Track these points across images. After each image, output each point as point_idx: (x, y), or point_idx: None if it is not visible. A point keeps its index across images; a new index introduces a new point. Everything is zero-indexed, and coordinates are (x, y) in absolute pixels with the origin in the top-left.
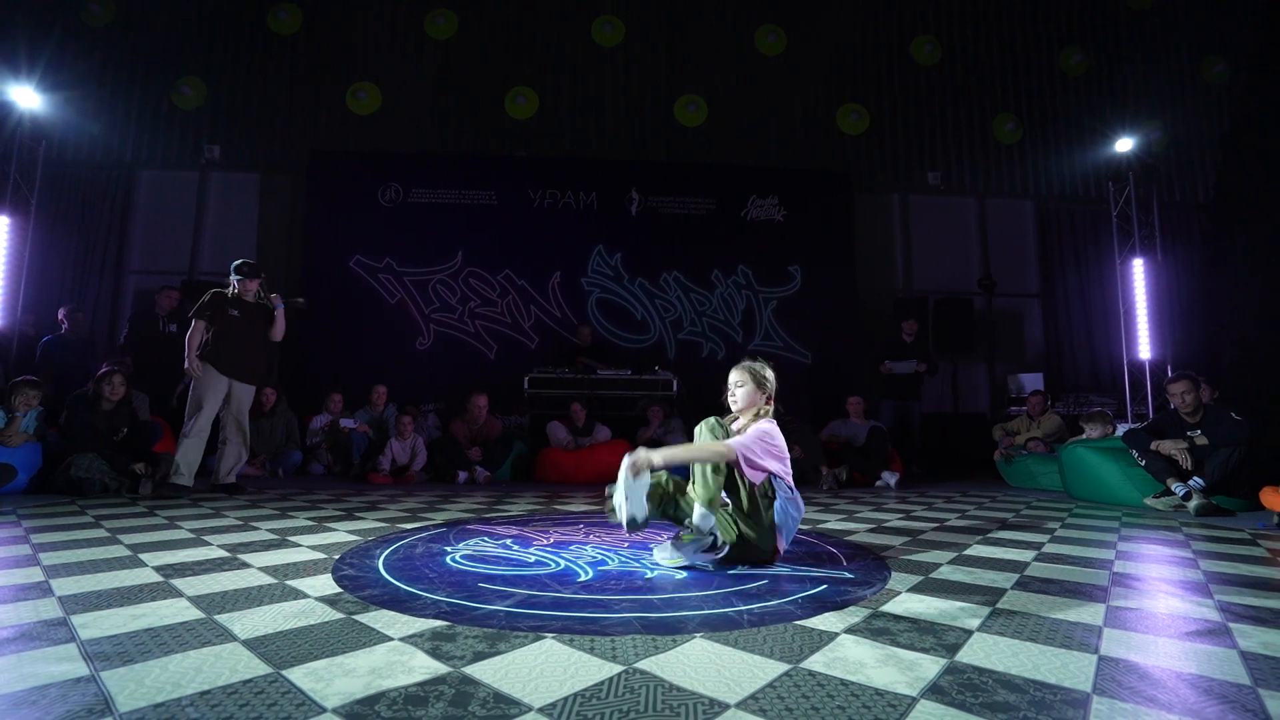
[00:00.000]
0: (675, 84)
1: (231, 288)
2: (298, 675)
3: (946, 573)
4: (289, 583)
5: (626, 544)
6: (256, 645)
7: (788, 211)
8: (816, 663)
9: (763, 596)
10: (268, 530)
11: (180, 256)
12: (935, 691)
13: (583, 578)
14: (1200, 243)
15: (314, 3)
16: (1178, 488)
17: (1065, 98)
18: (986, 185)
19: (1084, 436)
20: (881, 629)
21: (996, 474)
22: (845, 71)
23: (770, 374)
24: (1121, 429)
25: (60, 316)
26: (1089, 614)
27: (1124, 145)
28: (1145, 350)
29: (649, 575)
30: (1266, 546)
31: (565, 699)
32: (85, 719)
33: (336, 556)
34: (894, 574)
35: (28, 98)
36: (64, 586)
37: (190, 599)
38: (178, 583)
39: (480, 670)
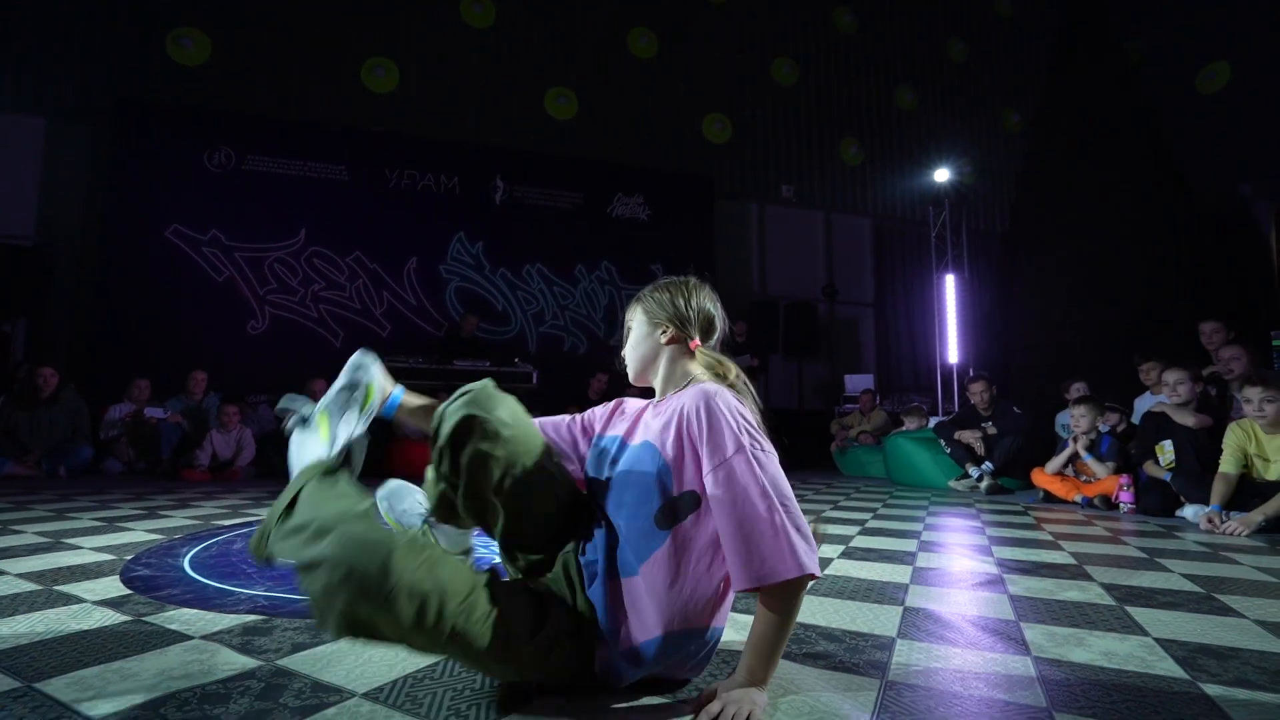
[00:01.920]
0: (547, 74)
1: None
2: (57, 687)
3: None
4: (59, 588)
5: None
6: (2, 659)
7: (652, 211)
8: None
9: None
10: (34, 534)
11: None
12: None
13: None
14: (996, 265)
15: None
16: (973, 471)
17: (900, 129)
18: (833, 201)
19: (904, 429)
20: None
21: (834, 464)
22: (711, 82)
23: (695, 297)
24: (933, 422)
25: None
26: (899, 574)
27: (941, 175)
28: (954, 354)
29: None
30: (1034, 516)
31: (395, 681)
32: None
33: (129, 557)
34: None
35: None
36: None
37: None
38: None
39: (298, 661)
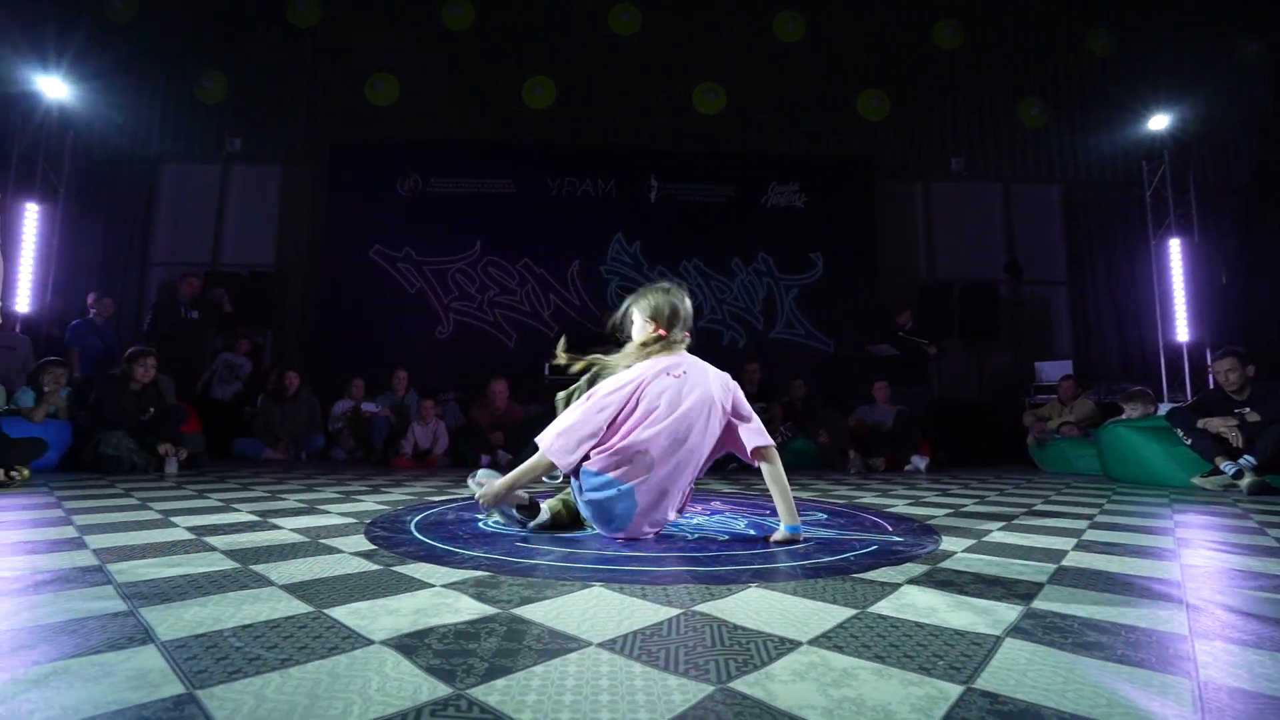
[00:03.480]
0: (693, 72)
1: None
2: (340, 613)
3: (999, 537)
4: (322, 541)
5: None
6: (295, 590)
7: (808, 198)
8: (884, 608)
9: (812, 555)
10: (295, 500)
11: (203, 249)
12: (1019, 632)
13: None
14: (1235, 225)
15: None
16: (1227, 466)
17: (1093, 80)
18: (1012, 170)
19: (1124, 417)
20: (945, 581)
21: (1026, 461)
22: (866, 57)
23: (662, 299)
24: (1164, 409)
25: (89, 302)
26: (1163, 570)
27: (1158, 123)
28: (1183, 333)
29: (690, 538)
30: None
31: (626, 635)
32: (126, 645)
33: (367, 521)
34: (944, 538)
35: (55, 88)
36: (97, 542)
37: (224, 552)
38: (211, 540)
39: (530, 611)
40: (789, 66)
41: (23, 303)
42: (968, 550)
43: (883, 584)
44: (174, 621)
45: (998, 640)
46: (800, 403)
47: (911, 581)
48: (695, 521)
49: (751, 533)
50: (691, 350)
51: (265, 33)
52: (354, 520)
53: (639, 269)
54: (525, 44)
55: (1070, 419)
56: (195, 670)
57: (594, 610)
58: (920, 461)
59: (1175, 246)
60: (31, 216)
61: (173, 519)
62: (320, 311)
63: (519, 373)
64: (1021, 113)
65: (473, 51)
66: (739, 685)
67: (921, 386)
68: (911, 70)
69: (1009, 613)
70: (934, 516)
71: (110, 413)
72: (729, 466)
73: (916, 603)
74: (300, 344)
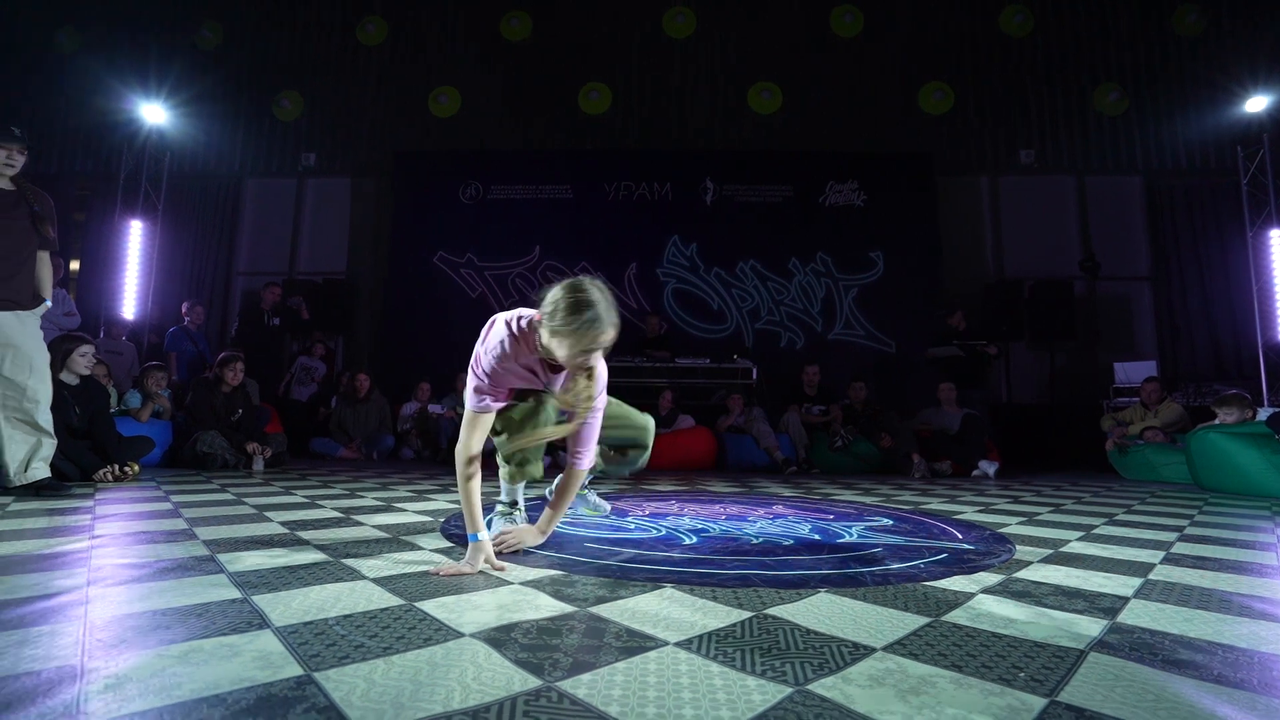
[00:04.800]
0: (748, 72)
1: None
2: (429, 607)
3: (1078, 548)
4: (403, 538)
5: (724, 515)
6: (385, 583)
7: (868, 196)
8: (959, 617)
9: (880, 561)
10: (372, 498)
11: (281, 258)
12: (1104, 647)
13: (687, 542)
14: None
15: (397, 13)
16: None
17: (1179, 61)
18: (1087, 162)
19: (1216, 422)
20: (1022, 592)
21: (1104, 467)
22: (927, 49)
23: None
24: (1264, 414)
25: (183, 310)
26: (1266, 588)
27: (1256, 105)
28: None
29: (755, 541)
30: None
31: (701, 636)
32: (246, 629)
33: (442, 519)
34: (1018, 547)
35: (156, 114)
36: (205, 534)
37: (316, 546)
38: (302, 534)
39: (606, 610)
40: (846, 62)
41: (128, 311)
42: (1044, 561)
43: (955, 592)
44: (283, 609)
45: (1081, 654)
46: (861, 405)
47: (986, 591)
48: (758, 526)
49: (817, 538)
50: (751, 352)
51: (336, 52)
52: (429, 518)
53: (695, 271)
54: (581, 51)
55: (1155, 423)
56: (309, 654)
57: (667, 611)
58: (989, 467)
59: (1276, 238)
60: (135, 232)
61: (266, 514)
62: (388, 316)
63: None
64: (1098, 100)
65: (530, 61)
66: (816, 688)
67: (984, 388)
68: (976, 61)
69: (1092, 626)
70: (1006, 524)
71: (205, 413)
72: (788, 470)
73: (992, 613)
74: (369, 348)
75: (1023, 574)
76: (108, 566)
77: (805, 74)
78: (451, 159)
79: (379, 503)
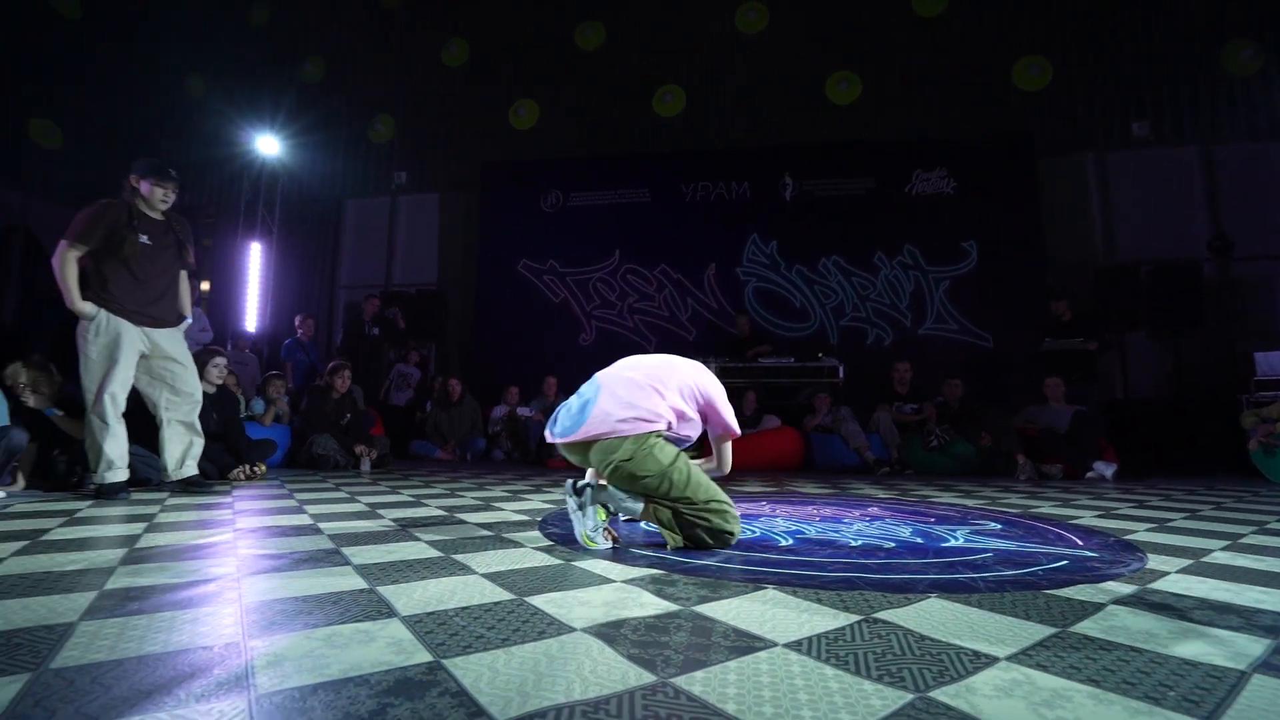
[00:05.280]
0: (825, 62)
1: (132, 197)
2: (540, 602)
3: (1223, 558)
4: (505, 536)
5: (818, 517)
6: (495, 579)
7: (958, 183)
8: (1090, 628)
9: (991, 567)
10: (472, 498)
11: (378, 271)
12: (1270, 669)
13: (783, 543)
14: None
15: (477, 34)
16: None
17: None
18: (1212, 129)
19: None
20: (1162, 604)
21: (1247, 469)
22: (1019, 22)
23: None
24: None
25: (296, 323)
26: None
27: None
28: None
29: (854, 544)
30: None
31: (810, 638)
32: (377, 617)
33: (539, 519)
34: (1150, 556)
35: (270, 145)
36: (328, 528)
37: (427, 543)
38: (414, 531)
39: (710, 610)
40: (930, 44)
41: (250, 325)
42: (1184, 572)
43: (1083, 603)
44: (406, 600)
45: (1242, 675)
46: (957, 403)
47: (1118, 602)
48: (855, 528)
49: (919, 541)
50: (836, 350)
51: (423, 75)
52: (527, 517)
53: (776, 269)
54: (653, 55)
55: None
56: (436, 642)
57: (772, 612)
58: (1105, 468)
59: None
60: (255, 254)
61: (379, 511)
62: (476, 324)
63: None
64: (1228, 59)
65: (604, 68)
66: (939, 695)
67: (1096, 383)
68: (1078, 29)
69: (1252, 646)
70: (1132, 531)
71: (318, 418)
72: (880, 471)
73: (1129, 626)
74: (460, 354)
75: (1160, 585)
76: (251, 556)
77: (885, 60)
78: (532, 169)
79: (478, 502)
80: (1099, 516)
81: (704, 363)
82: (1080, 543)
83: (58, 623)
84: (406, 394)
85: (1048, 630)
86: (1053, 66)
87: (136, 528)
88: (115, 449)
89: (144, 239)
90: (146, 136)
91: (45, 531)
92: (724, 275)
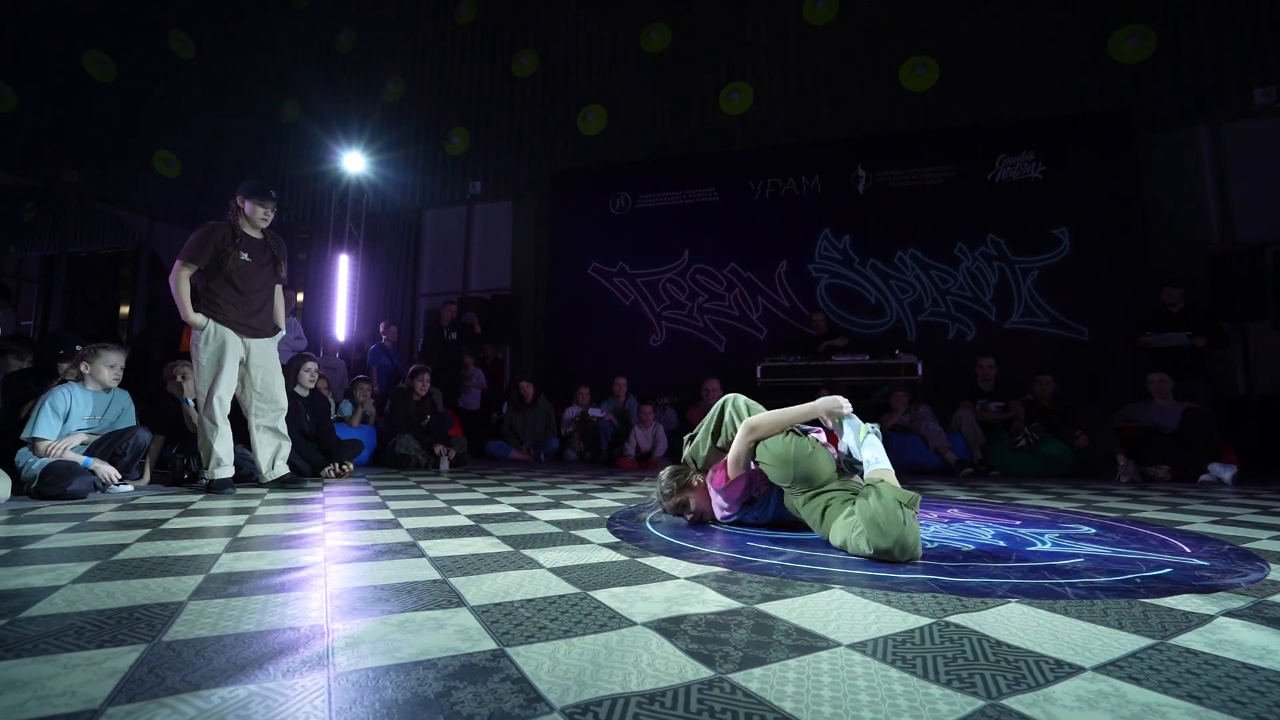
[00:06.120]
0: (899, 48)
1: (235, 217)
2: (603, 596)
3: None
4: (573, 532)
5: None
6: (560, 573)
7: (1047, 167)
8: (1194, 641)
9: (1083, 573)
10: (544, 496)
11: (455, 278)
12: None
13: None
14: None
15: (545, 43)
16: None
17: None
18: None
19: None
20: None
21: None
22: None
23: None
24: None
25: (381, 329)
26: None
27: None
28: None
29: (929, 545)
30: None
31: (875, 640)
32: (447, 606)
33: (607, 517)
34: (1273, 566)
35: (356, 162)
36: (408, 523)
37: (498, 538)
38: (487, 526)
39: (773, 608)
40: (1014, 22)
41: (340, 332)
42: None
43: (1186, 613)
44: (475, 591)
45: None
46: (1048, 400)
47: (1230, 614)
48: (931, 530)
49: (1001, 544)
50: (914, 346)
51: (495, 88)
52: (595, 515)
53: (849, 264)
54: (719, 53)
55: None
56: (500, 632)
57: (838, 612)
58: (1223, 471)
59: None
60: (343, 265)
61: (455, 508)
62: (549, 327)
63: (730, 376)
64: None
65: (670, 69)
66: (1013, 704)
67: (1209, 378)
68: None
69: None
70: (1254, 539)
71: (401, 419)
72: (963, 472)
73: (1240, 640)
74: (534, 357)
75: None
76: (337, 547)
77: (964, 41)
78: (601, 173)
79: (549, 500)
80: (1213, 522)
81: (775, 361)
82: (1188, 550)
83: (170, 601)
84: (474, 394)
85: (1144, 641)
86: (1157, 35)
87: (239, 519)
88: (224, 447)
89: (245, 256)
90: (248, 161)
91: (164, 521)
92: (795, 272)
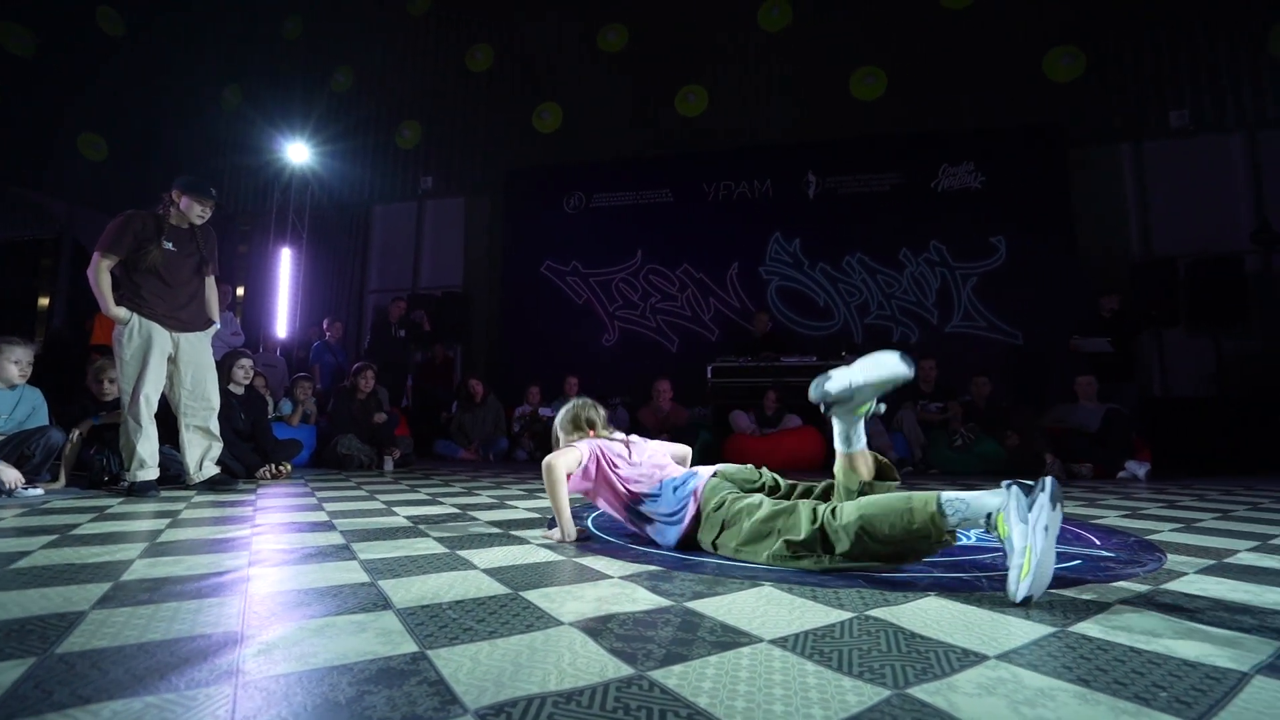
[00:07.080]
0: (849, 58)
1: (166, 210)
2: (534, 596)
3: (1249, 559)
4: (512, 533)
5: None
6: (494, 574)
7: (986, 177)
8: (1090, 629)
9: (1000, 565)
10: (488, 496)
11: (405, 275)
12: (1274, 671)
13: None
14: None
15: (501, 39)
16: None
17: None
18: (1259, 114)
19: None
20: (1172, 605)
21: None
22: (1050, 10)
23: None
24: None
25: (324, 326)
26: None
27: None
28: None
29: None
30: None
31: (797, 634)
32: (373, 609)
33: (549, 517)
34: (1170, 556)
35: (300, 153)
36: (343, 525)
37: (435, 539)
38: (424, 528)
39: (702, 606)
40: (957, 36)
41: (280, 329)
42: (1203, 572)
43: (1088, 602)
44: (404, 593)
45: (1243, 677)
46: (984, 402)
47: (1125, 602)
48: None
49: None
50: (860, 349)
51: (449, 82)
52: (538, 515)
53: (799, 267)
54: (676, 56)
55: None
56: (424, 634)
57: (764, 608)
58: (1138, 468)
59: None
60: (285, 259)
61: (394, 509)
62: (500, 325)
63: (681, 376)
64: (1275, 43)
65: (627, 70)
66: (917, 692)
67: (1130, 381)
68: (1113, 17)
69: (1261, 646)
70: (1156, 531)
71: (344, 418)
72: (904, 470)
73: (1131, 625)
74: (485, 355)
75: (1174, 585)
76: (265, 551)
77: (911, 54)
78: (555, 172)
79: (493, 500)
80: (1124, 516)
81: (725, 362)
82: (1098, 542)
83: (70, 610)
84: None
85: (1045, 629)
86: (1086, 56)
87: (161, 523)
88: (147, 448)
89: (169, 245)
90: (184, 147)
91: (75, 526)
92: (747, 274)
